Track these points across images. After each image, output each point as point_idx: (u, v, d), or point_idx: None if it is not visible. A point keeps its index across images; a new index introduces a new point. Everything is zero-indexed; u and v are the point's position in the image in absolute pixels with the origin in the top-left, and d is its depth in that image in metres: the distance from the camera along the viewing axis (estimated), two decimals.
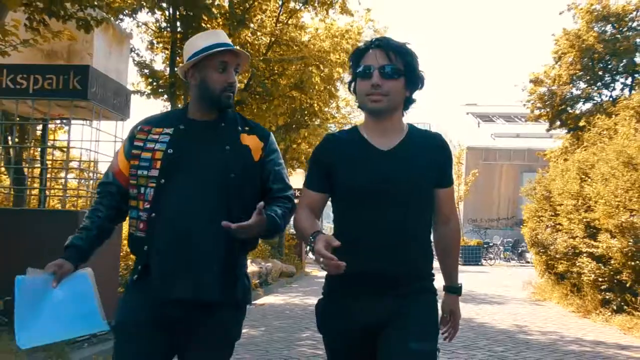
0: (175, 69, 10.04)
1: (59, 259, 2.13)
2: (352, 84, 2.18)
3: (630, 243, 7.94)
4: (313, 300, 2.31)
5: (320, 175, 2.16)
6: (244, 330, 7.85)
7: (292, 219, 2.29)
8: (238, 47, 2.28)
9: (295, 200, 2.35)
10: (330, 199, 2.21)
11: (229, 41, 2.28)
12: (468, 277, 16.01)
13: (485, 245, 27.09)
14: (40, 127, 8.36)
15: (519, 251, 27.00)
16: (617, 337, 7.67)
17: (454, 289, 2.26)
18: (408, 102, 2.17)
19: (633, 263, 8.05)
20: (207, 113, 2.26)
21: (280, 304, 10.73)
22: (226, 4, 10.28)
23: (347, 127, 3.56)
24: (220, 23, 9.18)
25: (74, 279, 2.13)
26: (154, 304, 2.11)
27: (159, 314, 2.11)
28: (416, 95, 2.20)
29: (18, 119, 7.18)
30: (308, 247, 2.01)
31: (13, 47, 5.25)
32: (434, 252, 2.23)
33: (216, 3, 8.64)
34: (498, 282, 15.96)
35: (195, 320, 2.13)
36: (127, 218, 2.30)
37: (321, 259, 1.87)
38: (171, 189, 2.14)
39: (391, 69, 2.06)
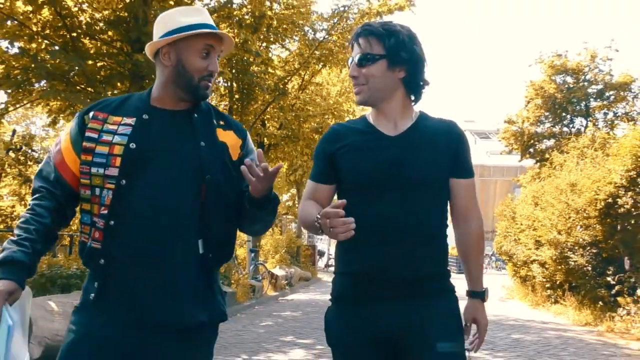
0: None
1: (4, 280, 1.66)
2: None
3: (556, 253, 11.29)
4: (330, 297, 2.32)
5: (325, 166, 1.99)
6: (286, 313, 13.07)
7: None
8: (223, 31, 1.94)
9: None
10: (336, 193, 2.02)
11: (212, 22, 1.93)
12: (457, 282, 19.23)
13: None
14: None
15: None
16: (547, 318, 11.01)
17: (477, 294, 2.04)
18: (410, 83, 1.96)
19: (560, 267, 11.39)
20: (177, 101, 1.88)
21: (305, 299, 14.12)
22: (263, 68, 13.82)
23: None
24: (268, 95, 12.60)
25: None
26: (114, 326, 1.74)
27: (118, 339, 1.75)
28: (428, 77, 1.98)
29: None
30: (320, 230, 1.75)
31: None
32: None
33: (267, 82, 12.05)
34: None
35: (165, 344, 1.78)
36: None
37: (327, 221, 1.67)
38: (134, 191, 1.76)
39: (364, 55, 1.92)
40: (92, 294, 1.77)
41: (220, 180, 1.83)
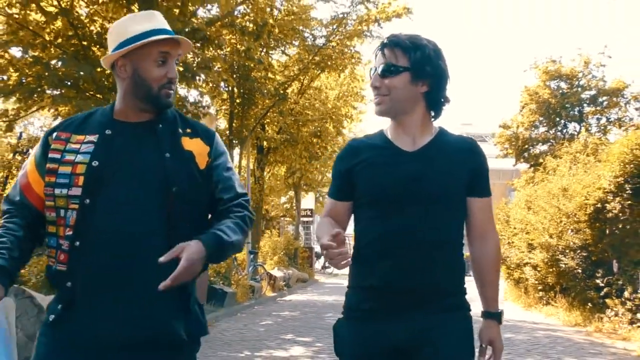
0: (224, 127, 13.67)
1: None
2: None
3: (548, 256, 11.62)
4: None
5: (342, 183, 1.99)
6: (285, 312, 13.54)
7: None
8: (179, 36, 1.84)
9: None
10: (354, 208, 2.01)
11: (167, 25, 1.85)
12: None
13: None
14: None
15: None
16: (538, 319, 11.33)
17: (493, 315, 1.99)
18: (432, 99, 1.95)
19: (551, 270, 11.72)
20: (139, 113, 1.82)
21: (303, 300, 14.41)
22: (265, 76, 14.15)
23: None
24: (268, 100, 12.93)
25: None
26: (77, 348, 1.68)
27: None
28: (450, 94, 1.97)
29: None
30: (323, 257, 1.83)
31: None
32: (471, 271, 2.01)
33: (267, 87, 12.39)
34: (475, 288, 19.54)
35: None
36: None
37: (325, 252, 1.71)
38: (97, 208, 1.69)
39: (387, 66, 1.91)
40: (52, 316, 1.72)
41: (186, 191, 1.75)
